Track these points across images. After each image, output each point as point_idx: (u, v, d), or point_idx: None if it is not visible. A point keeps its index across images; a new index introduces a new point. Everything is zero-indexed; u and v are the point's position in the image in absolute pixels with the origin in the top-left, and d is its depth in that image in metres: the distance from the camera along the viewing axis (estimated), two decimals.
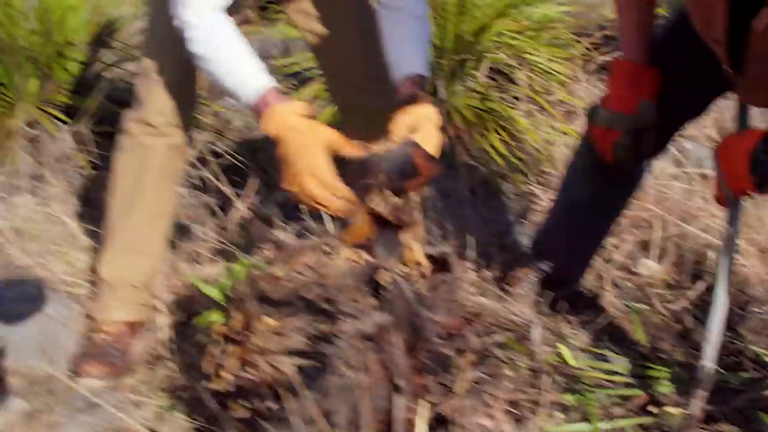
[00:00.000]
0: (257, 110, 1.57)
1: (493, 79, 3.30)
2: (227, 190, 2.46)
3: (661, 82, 1.81)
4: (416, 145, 1.55)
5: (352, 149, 1.56)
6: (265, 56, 2.68)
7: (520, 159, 3.03)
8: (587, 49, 3.68)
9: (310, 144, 1.52)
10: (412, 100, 1.67)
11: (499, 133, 3.02)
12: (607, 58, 3.85)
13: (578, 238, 2.18)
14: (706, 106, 1.97)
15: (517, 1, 3.24)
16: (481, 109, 3.06)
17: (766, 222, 2.54)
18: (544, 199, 2.80)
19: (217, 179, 2.54)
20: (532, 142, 3.07)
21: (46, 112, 2.87)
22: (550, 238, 2.24)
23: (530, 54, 3.33)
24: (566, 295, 2.20)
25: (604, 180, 2.02)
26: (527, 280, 2.14)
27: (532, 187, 2.91)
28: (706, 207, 2.64)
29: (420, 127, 1.62)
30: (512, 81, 3.29)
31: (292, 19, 2.13)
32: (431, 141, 1.62)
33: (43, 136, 2.82)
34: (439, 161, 1.61)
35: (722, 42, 1.57)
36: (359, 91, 2.05)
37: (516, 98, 3.24)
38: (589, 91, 3.54)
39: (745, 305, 2.28)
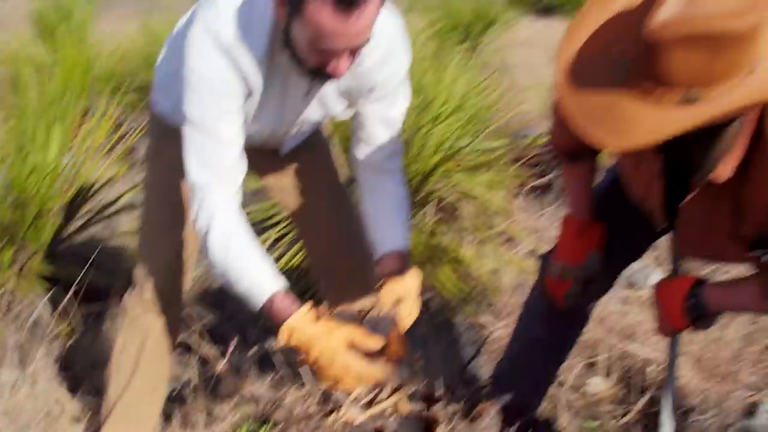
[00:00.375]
0: (269, 317, 1.71)
1: (441, 214, 3.57)
2: (210, 351, 2.57)
3: (606, 234, 2.04)
4: (393, 325, 1.75)
5: (371, 342, 1.68)
6: None
7: (469, 291, 3.27)
8: (525, 176, 4.03)
9: (334, 348, 1.62)
10: (399, 271, 1.88)
11: (449, 267, 3.25)
12: (541, 181, 4.24)
13: (537, 370, 2.37)
14: (645, 249, 2.20)
15: (461, 142, 3.54)
16: (431, 245, 3.30)
17: (698, 333, 2.81)
18: (497, 328, 3.03)
19: (201, 338, 2.70)
20: (479, 274, 3.32)
21: (23, 280, 2.96)
22: (510, 371, 2.39)
23: (471, 189, 3.62)
24: (527, 423, 2.40)
25: (558, 320, 2.22)
26: (491, 413, 2.34)
27: (483, 318, 3.15)
28: (644, 323, 2.90)
29: (404, 299, 1.82)
30: (457, 216, 3.57)
31: (272, 193, 2.31)
32: (412, 314, 1.83)
33: (22, 305, 2.90)
34: (407, 345, 1.78)
35: (658, 212, 1.82)
36: (334, 256, 2.22)
37: (462, 230, 3.50)
38: (528, 216, 3.87)
39: (685, 415, 2.54)
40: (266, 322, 1.99)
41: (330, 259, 2.19)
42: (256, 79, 1.75)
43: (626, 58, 1.29)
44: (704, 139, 1.36)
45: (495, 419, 2.28)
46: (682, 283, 1.81)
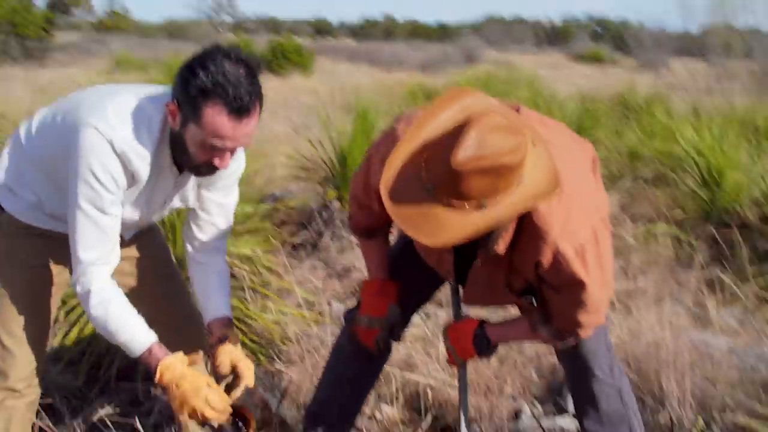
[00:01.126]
0: (146, 362, 2.04)
1: None
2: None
3: (401, 287, 2.47)
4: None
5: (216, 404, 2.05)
6: None
7: (258, 343, 3.54)
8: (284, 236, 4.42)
9: (198, 385, 2.02)
10: (225, 338, 2.23)
11: (240, 325, 3.49)
12: (295, 240, 4.65)
13: (348, 403, 2.71)
14: (433, 294, 2.71)
15: None
16: None
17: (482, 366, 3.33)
18: (292, 373, 3.32)
19: None
20: (265, 327, 3.60)
21: None
22: (323, 408, 2.68)
23: (244, 252, 3.91)
24: None
25: (366, 360, 2.61)
26: None
27: (276, 365, 3.42)
28: (420, 355, 3.38)
29: (239, 359, 2.20)
30: (236, 277, 3.82)
31: None
32: (250, 369, 2.22)
33: None
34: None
35: (449, 275, 2.30)
36: (171, 324, 2.37)
37: (242, 290, 3.76)
38: (292, 271, 4.24)
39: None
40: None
41: (167, 327, 2.33)
42: (143, 175, 2.03)
43: (432, 182, 1.75)
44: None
45: None
46: (469, 324, 2.33)
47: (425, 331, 3.61)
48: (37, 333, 2.26)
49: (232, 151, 1.97)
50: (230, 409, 2.08)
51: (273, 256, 4.19)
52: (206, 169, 2.02)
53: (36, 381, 2.30)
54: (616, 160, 7.24)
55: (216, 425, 2.11)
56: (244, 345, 3.38)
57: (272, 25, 72.18)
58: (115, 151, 1.94)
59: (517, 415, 3.14)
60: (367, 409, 3.11)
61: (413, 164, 1.80)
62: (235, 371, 2.20)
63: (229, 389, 2.16)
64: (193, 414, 2.02)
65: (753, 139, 6.73)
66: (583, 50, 35.57)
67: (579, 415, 2.41)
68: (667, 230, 5.11)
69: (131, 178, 2.01)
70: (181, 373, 2.01)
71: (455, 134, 1.71)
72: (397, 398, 3.20)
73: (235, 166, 2.20)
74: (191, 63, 1.90)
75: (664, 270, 4.38)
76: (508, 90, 11.15)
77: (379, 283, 2.46)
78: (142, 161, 1.99)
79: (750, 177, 5.47)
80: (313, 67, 20.92)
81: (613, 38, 54.61)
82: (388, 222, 2.38)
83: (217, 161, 1.97)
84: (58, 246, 2.20)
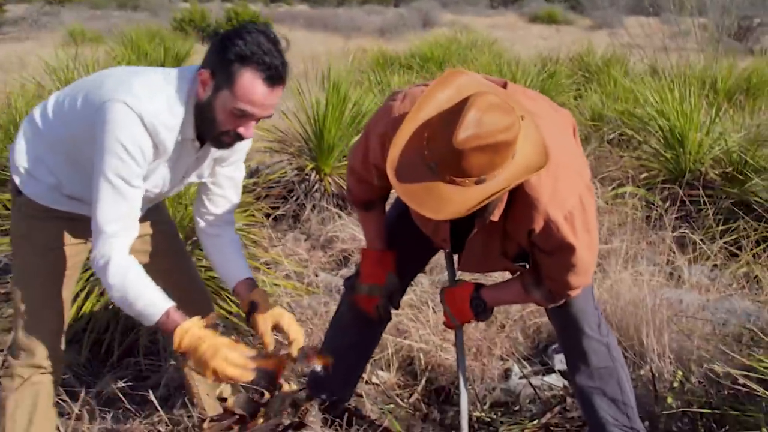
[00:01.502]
0: (164, 327, 2.08)
1: None
2: None
3: (398, 257, 2.61)
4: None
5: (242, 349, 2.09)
6: None
7: None
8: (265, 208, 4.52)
9: (218, 345, 2.02)
10: (256, 305, 2.31)
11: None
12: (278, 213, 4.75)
13: (350, 369, 2.86)
14: (428, 262, 2.85)
15: None
16: (211, 279, 3.61)
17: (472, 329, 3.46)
18: None
19: None
20: None
21: None
22: (326, 375, 2.79)
23: None
24: (341, 413, 2.88)
25: (366, 326, 2.75)
26: (314, 409, 2.77)
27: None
28: (412, 322, 3.53)
29: (279, 318, 2.29)
30: None
31: None
32: (293, 322, 2.31)
33: None
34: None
35: (445, 243, 2.42)
36: (182, 293, 2.43)
37: None
38: (278, 243, 4.35)
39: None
40: None
41: (180, 301, 2.40)
42: (169, 147, 2.13)
43: (434, 161, 1.88)
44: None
45: (318, 413, 2.74)
46: (465, 288, 2.48)
47: (413, 298, 3.75)
48: (57, 312, 2.36)
49: (257, 120, 2.09)
50: (253, 365, 2.07)
51: (257, 229, 4.29)
52: (230, 138, 2.13)
53: (60, 357, 2.40)
54: (581, 123, 7.40)
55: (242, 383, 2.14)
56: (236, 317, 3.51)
57: None
58: (144, 124, 2.03)
59: (506, 374, 3.31)
60: (364, 375, 3.25)
61: (416, 144, 1.93)
62: (280, 331, 2.30)
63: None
64: (216, 375, 2.02)
65: (712, 98, 6.95)
66: (537, 11, 35.66)
67: (570, 371, 2.58)
68: (634, 191, 5.30)
69: (157, 150, 2.10)
70: (198, 336, 2.03)
71: (454, 115, 1.85)
72: (391, 363, 3.36)
73: (247, 141, 2.28)
74: (228, 34, 2.04)
75: (635, 231, 4.56)
76: (471, 55, 11.26)
77: (378, 253, 2.59)
78: (169, 133, 2.09)
79: (711, 137, 5.67)
80: None
81: None
82: (384, 194, 2.51)
83: (242, 130, 2.08)
84: (76, 228, 2.31)
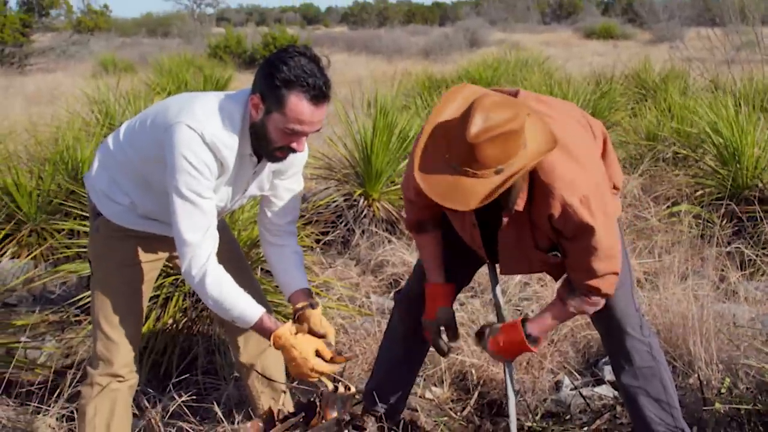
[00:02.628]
0: (259, 330, 2.57)
1: (267, 275, 4.32)
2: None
3: (454, 289, 2.95)
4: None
5: (327, 352, 2.58)
6: None
7: None
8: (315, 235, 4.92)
9: (306, 355, 2.53)
10: (315, 304, 2.77)
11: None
12: (327, 239, 5.14)
13: (402, 380, 3.22)
14: (473, 274, 3.21)
15: None
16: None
17: None
18: None
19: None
20: None
21: None
22: (381, 386, 3.19)
23: None
24: (397, 424, 3.24)
25: (413, 340, 3.10)
26: (372, 420, 3.15)
27: None
28: (465, 341, 3.89)
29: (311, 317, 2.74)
30: None
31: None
32: (331, 328, 2.75)
33: None
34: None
35: (481, 251, 2.77)
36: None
37: None
38: (328, 267, 4.76)
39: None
40: None
41: None
42: (230, 163, 2.55)
43: (455, 161, 2.29)
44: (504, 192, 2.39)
45: (374, 424, 3.11)
46: (514, 327, 2.75)
47: (464, 316, 4.12)
48: (133, 325, 2.79)
49: (307, 135, 2.51)
50: (335, 370, 2.59)
51: (307, 254, 4.72)
52: (283, 153, 2.55)
53: (135, 367, 2.82)
54: (635, 142, 7.73)
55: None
56: None
57: (257, 15, 72.72)
58: (205, 143, 2.45)
59: (557, 386, 3.66)
60: (418, 390, 3.62)
61: (436, 149, 2.36)
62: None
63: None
64: (304, 377, 2.56)
65: None
66: (593, 25, 36.01)
67: (616, 372, 2.92)
68: (689, 210, 5.61)
69: (220, 166, 2.52)
70: (291, 343, 2.53)
71: (464, 117, 2.27)
72: (444, 379, 3.73)
73: (303, 154, 2.72)
74: (272, 60, 2.44)
75: (688, 248, 4.88)
76: (520, 75, 11.64)
77: (432, 287, 2.93)
78: (228, 151, 2.50)
79: None
80: None
81: (623, 9, 55.00)
82: (436, 217, 2.88)
83: (294, 145, 2.50)
84: (150, 246, 2.77)
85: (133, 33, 40.69)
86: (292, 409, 2.76)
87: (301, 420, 2.59)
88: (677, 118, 7.82)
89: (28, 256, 5.16)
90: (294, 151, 2.54)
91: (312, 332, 2.68)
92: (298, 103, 2.41)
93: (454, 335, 2.99)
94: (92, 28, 26.44)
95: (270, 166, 2.72)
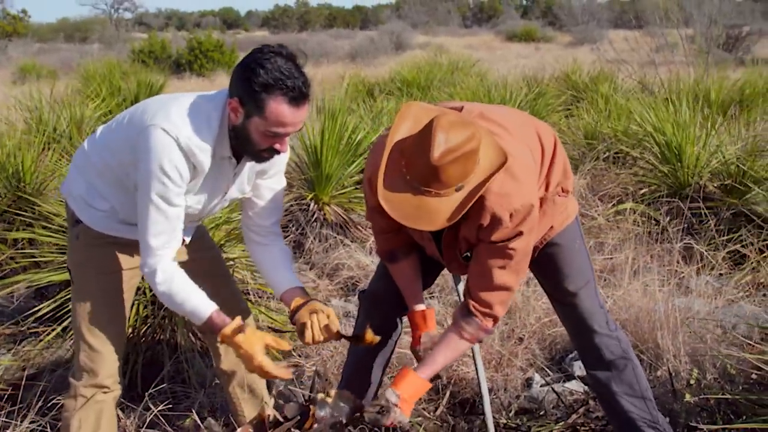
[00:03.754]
0: (209, 327, 2.55)
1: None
2: None
3: (432, 314, 2.93)
4: None
5: (279, 344, 2.58)
6: None
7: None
8: None
9: (253, 352, 2.52)
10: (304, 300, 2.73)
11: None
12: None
13: (370, 379, 3.19)
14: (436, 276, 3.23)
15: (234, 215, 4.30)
16: None
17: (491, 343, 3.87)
18: (309, 363, 3.83)
19: None
20: (272, 324, 4.10)
21: None
22: (351, 384, 3.12)
23: (235, 255, 4.39)
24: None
25: (382, 335, 3.00)
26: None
27: (293, 359, 3.93)
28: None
29: (319, 311, 2.68)
30: (244, 280, 4.30)
31: None
32: (333, 317, 2.70)
33: None
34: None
35: (437, 256, 2.81)
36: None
37: (246, 292, 4.24)
38: None
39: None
40: None
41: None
42: (205, 166, 2.51)
43: (417, 181, 2.34)
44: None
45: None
46: (411, 378, 2.65)
47: None
48: (117, 334, 2.74)
49: (290, 135, 2.49)
50: (282, 374, 2.57)
51: None
52: (267, 154, 2.53)
53: (119, 378, 2.77)
54: (574, 143, 7.90)
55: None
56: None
57: (176, 19, 71.77)
58: (180, 147, 2.42)
59: (528, 383, 3.71)
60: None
61: (396, 172, 2.40)
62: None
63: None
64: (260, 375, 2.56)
65: (706, 111, 7.46)
66: (514, 28, 36.63)
67: (587, 367, 2.98)
68: (634, 207, 5.76)
69: (194, 169, 2.49)
70: (234, 341, 2.52)
71: (423, 138, 2.33)
72: None
73: (285, 153, 2.67)
74: (248, 63, 2.40)
75: (638, 245, 5.00)
76: (454, 78, 11.78)
77: (412, 315, 2.92)
78: (204, 154, 2.47)
79: (708, 150, 6.16)
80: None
81: (542, 12, 56.11)
82: (405, 245, 2.88)
83: (277, 146, 2.49)
84: (131, 253, 2.71)
85: (50, 38, 39.63)
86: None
87: (294, 424, 2.57)
88: (614, 118, 8.01)
89: None
90: (278, 152, 2.52)
91: (329, 331, 2.68)
92: (278, 107, 2.38)
93: None
94: (10, 33, 25.72)
95: (250, 167, 2.69)
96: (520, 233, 2.49)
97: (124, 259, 2.73)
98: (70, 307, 2.83)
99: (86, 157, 2.67)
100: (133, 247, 2.67)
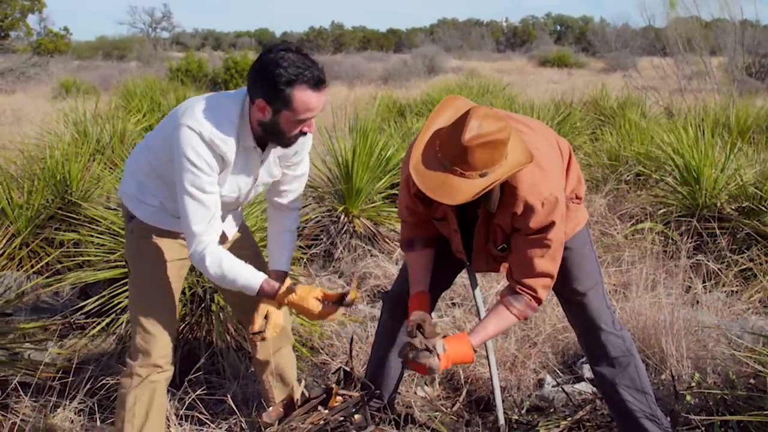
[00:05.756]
0: (263, 295, 2.86)
1: None
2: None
3: (430, 297, 3.17)
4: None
5: (327, 295, 2.89)
6: None
7: (299, 341, 4.32)
8: (305, 248, 5.18)
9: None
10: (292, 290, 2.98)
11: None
12: (312, 252, 5.39)
13: (393, 372, 3.49)
14: (453, 278, 3.51)
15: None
16: None
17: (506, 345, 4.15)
18: (335, 364, 4.12)
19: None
20: (301, 326, 4.39)
21: None
22: (376, 378, 3.46)
23: None
24: (394, 413, 3.52)
25: (403, 332, 3.36)
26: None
27: (321, 357, 4.22)
28: None
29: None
30: None
31: None
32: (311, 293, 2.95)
33: None
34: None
35: (462, 254, 3.10)
36: None
37: None
38: (313, 279, 5.01)
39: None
40: None
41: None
42: (230, 157, 2.81)
43: (447, 160, 2.62)
44: (487, 192, 2.71)
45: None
46: (462, 340, 2.93)
47: (448, 322, 4.42)
48: (168, 318, 3.03)
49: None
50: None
51: (294, 266, 4.97)
52: (296, 138, 2.83)
53: (171, 358, 3.05)
54: (598, 165, 8.14)
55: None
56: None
57: (213, 39, 72.80)
58: (204, 140, 2.71)
59: (540, 384, 3.96)
60: (411, 389, 3.90)
61: (430, 150, 2.69)
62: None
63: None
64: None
65: (726, 136, 7.68)
66: (547, 53, 36.88)
67: (593, 364, 3.24)
68: (652, 227, 5.99)
69: (221, 160, 2.78)
70: (290, 301, 2.89)
71: (458, 124, 2.61)
72: (433, 380, 4.01)
73: (309, 137, 2.97)
74: (264, 65, 2.69)
75: (654, 262, 5.23)
76: (483, 101, 12.05)
77: (411, 297, 3.14)
78: (226, 145, 2.76)
79: (726, 173, 6.38)
80: None
81: (576, 38, 56.25)
82: (425, 234, 3.16)
83: (306, 128, 2.79)
84: (178, 245, 3.02)
85: (88, 56, 40.64)
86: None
87: (321, 401, 2.86)
88: (637, 141, 8.25)
89: (19, 268, 5.33)
90: (305, 133, 2.82)
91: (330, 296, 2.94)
92: (303, 97, 2.67)
93: (430, 332, 3.09)
94: (52, 50, 26.45)
95: (275, 153, 2.98)
96: (553, 223, 2.76)
97: (174, 251, 3.03)
98: (115, 303, 3.12)
99: (135, 160, 3.01)
100: (181, 239, 2.98)
